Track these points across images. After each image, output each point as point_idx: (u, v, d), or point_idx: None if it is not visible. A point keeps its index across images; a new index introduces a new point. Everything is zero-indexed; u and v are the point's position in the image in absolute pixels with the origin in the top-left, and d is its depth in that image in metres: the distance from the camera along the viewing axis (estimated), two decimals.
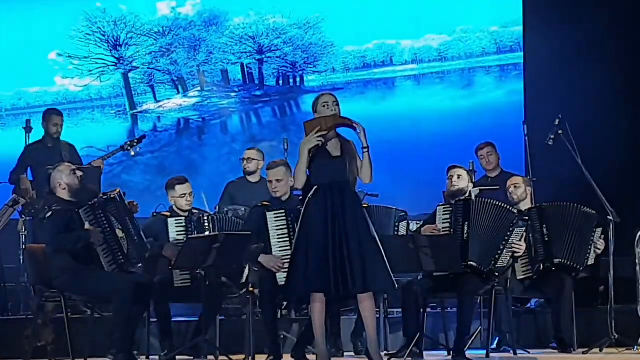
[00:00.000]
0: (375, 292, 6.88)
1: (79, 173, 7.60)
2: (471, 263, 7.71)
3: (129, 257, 7.48)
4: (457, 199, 7.93)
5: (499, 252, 7.79)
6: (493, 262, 7.78)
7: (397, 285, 6.89)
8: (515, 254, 7.91)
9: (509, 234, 7.80)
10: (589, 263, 8.42)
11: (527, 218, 8.01)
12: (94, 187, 7.82)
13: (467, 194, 8.00)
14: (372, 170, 6.79)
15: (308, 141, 6.71)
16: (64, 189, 7.48)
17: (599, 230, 8.45)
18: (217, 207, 9.31)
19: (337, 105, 6.85)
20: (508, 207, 7.89)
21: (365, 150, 6.76)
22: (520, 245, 7.88)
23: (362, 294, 6.72)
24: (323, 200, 6.69)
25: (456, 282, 7.70)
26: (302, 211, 6.75)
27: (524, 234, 7.94)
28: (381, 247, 6.73)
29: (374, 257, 6.67)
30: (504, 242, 7.80)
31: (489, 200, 7.92)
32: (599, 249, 8.45)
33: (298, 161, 6.75)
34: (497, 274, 7.84)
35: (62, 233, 7.28)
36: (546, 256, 8.35)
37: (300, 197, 6.93)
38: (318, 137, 6.70)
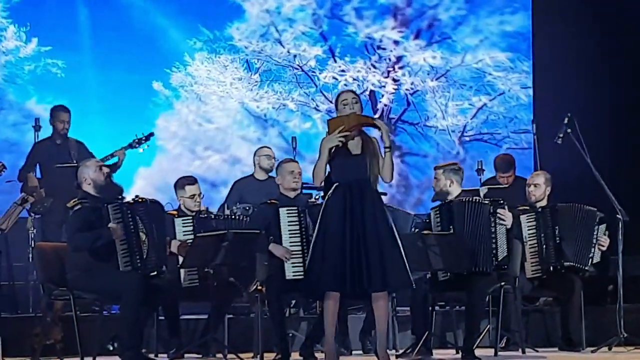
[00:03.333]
0: (393, 291, 6.85)
1: (106, 170, 7.63)
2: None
3: (146, 262, 7.47)
4: (440, 203, 7.88)
5: (494, 248, 7.75)
6: (494, 259, 7.75)
7: (414, 285, 6.92)
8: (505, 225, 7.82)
9: (492, 228, 7.73)
10: (594, 261, 8.41)
11: (501, 203, 7.87)
12: (119, 185, 7.82)
13: (454, 195, 7.91)
14: (393, 169, 6.81)
15: (330, 140, 6.72)
16: (89, 184, 7.51)
17: (603, 226, 8.44)
18: (225, 206, 9.29)
19: (357, 102, 6.86)
20: (483, 201, 7.80)
21: (388, 149, 6.77)
22: (504, 214, 7.80)
23: (379, 292, 6.73)
24: (342, 198, 6.70)
25: (465, 282, 7.69)
26: (321, 209, 6.76)
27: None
28: (401, 246, 6.74)
29: (393, 255, 6.67)
30: (493, 238, 7.72)
31: (468, 199, 7.83)
32: (602, 246, 8.43)
33: (318, 159, 6.76)
34: (505, 267, 7.79)
35: (81, 232, 7.30)
36: (557, 258, 8.33)
37: (322, 195, 6.92)
38: (340, 136, 6.71)
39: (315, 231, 6.75)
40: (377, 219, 6.70)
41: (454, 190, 7.90)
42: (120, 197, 7.52)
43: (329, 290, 6.69)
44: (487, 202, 7.84)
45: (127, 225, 7.37)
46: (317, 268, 6.67)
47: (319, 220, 6.75)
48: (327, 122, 6.82)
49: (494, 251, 7.75)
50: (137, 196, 7.58)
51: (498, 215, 7.77)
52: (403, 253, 6.71)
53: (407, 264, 6.72)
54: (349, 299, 7.20)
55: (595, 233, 8.41)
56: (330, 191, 6.75)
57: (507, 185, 9.35)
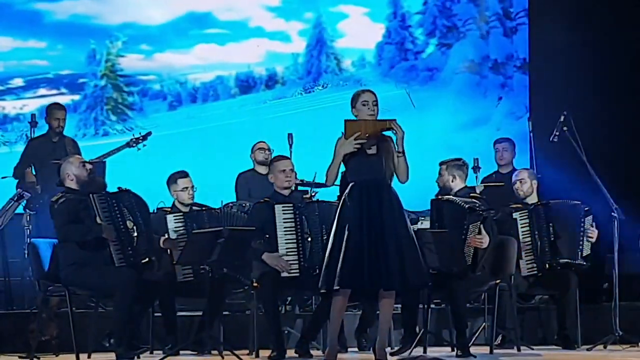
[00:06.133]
0: (412, 289, 6.97)
1: (89, 166, 7.65)
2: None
3: (137, 250, 7.49)
4: (433, 199, 7.91)
5: (459, 251, 7.73)
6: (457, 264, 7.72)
7: (430, 283, 6.94)
8: (478, 247, 7.73)
9: (464, 232, 7.71)
10: (584, 254, 8.41)
11: (480, 212, 7.76)
12: (101, 180, 7.84)
13: (455, 191, 7.94)
14: (409, 170, 6.80)
15: (344, 145, 6.71)
16: (72, 179, 7.54)
17: (589, 218, 8.44)
18: (235, 201, 9.26)
19: (376, 104, 6.84)
20: (461, 203, 7.73)
21: (400, 154, 6.77)
22: (480, 238, 7.70)
23: (398, 290, 6.75)
24: (359, 198, 6.70)
25: (445, 281, 7.68)
26: (338, 209, 6.76)
27: (481, 226, 7.78)
28: (417, 244, 6.75)
29: (411, 253, 6.69)
30: (461, 242, 7.68)
31: (451, 199, 7.81)
32: (591, 238, 8.43)
33: (332, 160, 6.76)
34: (467, 274, 7.77)
35: (71, 224, 7.33)
36: (552, 255, 8.34)
37: (338, 195, 6.93)
38: (356, 144, 6.70)
39: (333, 230, 6.75)
40: (394, 217, 6.71)
41: (457, 186, 7.95)
42: (104, 192, 7.56)
43: (347, 287, 6.68)
44: (466, 206, 7.70)
45: (114, 217, 7.39)
46: (336, 266, 6.65)
47: (336, 220, 6.75)
48: (344, 122, 6.79)
49: (466, 257, 7.72)
50: (119, 187, 7.60)
51: (474, 238, 7.66)
52: (419, 251, 6.74)
53: (423, 262, 6.77)
54: (362, 298, 7.19)
55: (582, 225, 8.42)
56: (347, 191, 6.75)
57: (502, 183, 9.35)
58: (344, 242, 6.64)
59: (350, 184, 6.76)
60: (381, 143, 6.82)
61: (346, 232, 6.65)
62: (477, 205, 7.73)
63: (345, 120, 6.79)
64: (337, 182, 6.92)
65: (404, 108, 11.26)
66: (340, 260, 6.62)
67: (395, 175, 6.81)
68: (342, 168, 6.85)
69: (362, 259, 6.61)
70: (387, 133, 6.86)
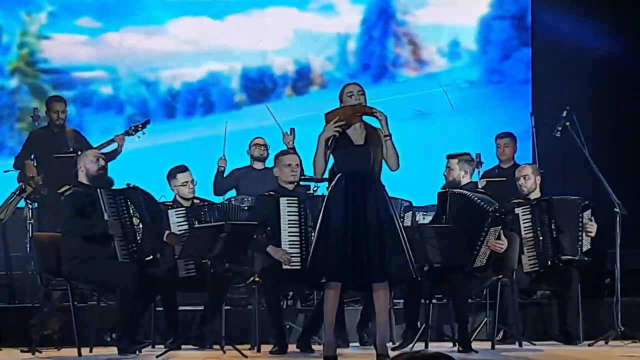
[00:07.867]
0: (396, 282, 6.91)
1: (102, 162, 7.65)
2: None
3: (142, 248, 7.49)
4: (438, 192, 7.90)
5: (476, 252, 7.71)
6: (471, 261, 7.70)
7: (419, 277, 6.90)
8: (498, 251, 7.78)
9: (484, 234, 7.69)
10: (584, 249, 8.40)
11: (502, 217, 7.80)
12: (110, 177, 7.84)
13: (464, 184, 7.94)
14: (399, 157, 6.78)
15: (325, 131, 6.73)
16: (83, 172, 7.57)
17: (588, 212, 8.43)
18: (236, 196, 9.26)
19: (363, 94, 6.84)
20: (484, 205, 7.72)
21: (388, 138, 6.76)
22: (501, 243, 7.77)
23: (380, 283, 6.72)
24: (344, 189, 6.70)
25: (447, 277, 7.67)
26: (325, 199, 6.78)
27: (501, 231, 7.79)
28: (404, 237, 6.73)
29: (394, 246, 6.66)
30: (479, 243, 7.69)
31: (468, 194, 7.81)
32: (590, 232, 8.42)
33: (316, 151, 6.76)
34: (477, 274, 7.77)
35: (77, 217, 7.34)
36: (554, 252, 8.33)
37: (327, 187, 6.93)
38: (336, 127, 6.70)
39: (319, 222, 6.75)
40: (379, 209, 6.69)
41: (464, 181, 7.93)
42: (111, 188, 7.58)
43: (331, 280, 6.68)
44: (489, 209, 7.72)
45: (120, 211, 7.40)
46: (320, 258, 6.67)
47: (322, 211, 6.75)
48: (324, 115, 6.80)
49: (473, 256, 7.71)
50: (128, 184, 7.61)
51: (496, 242, 7.70)
52: (406, 244, 6.72)
53: (410, 255, 6.73)
54: (349, 290, 7.19)
55: (580, 220, 8.41)
56: (333, 182, 6.76)
57: (505, 179, 9.33)
58: (328, 235, 6.65)
59: (337, 175, 6.76)
60: (369, 134, 6.81)
61: (330, 225, 6.66)
62: (498, 207, 7.73)
63: (325, 113, 6.79)
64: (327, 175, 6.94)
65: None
66: (325, 253, 6.63)
67: (385, 164, 6.80)
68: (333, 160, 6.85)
69: (345, 251, 6.61)
70: (370, 120, 6.86)
